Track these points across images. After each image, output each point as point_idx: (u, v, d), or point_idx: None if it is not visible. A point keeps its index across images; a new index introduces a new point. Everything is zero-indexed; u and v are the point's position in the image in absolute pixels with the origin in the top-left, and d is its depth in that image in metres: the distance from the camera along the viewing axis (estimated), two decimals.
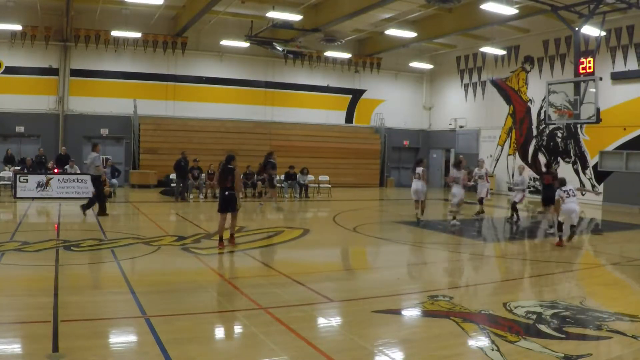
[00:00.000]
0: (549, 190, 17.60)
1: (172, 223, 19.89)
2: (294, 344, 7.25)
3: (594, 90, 23.79)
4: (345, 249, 16.01)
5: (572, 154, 31.36)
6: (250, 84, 36.25)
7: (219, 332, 8.03)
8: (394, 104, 40.25)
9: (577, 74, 24.26)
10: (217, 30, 32.92)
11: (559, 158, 31.92)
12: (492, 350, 7.13)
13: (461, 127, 38.77)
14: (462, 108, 38.93)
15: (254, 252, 13.83)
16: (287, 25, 30.15)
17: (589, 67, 23.86)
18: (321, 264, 13.56)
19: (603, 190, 29.53)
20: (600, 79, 24.52)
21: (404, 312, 9.07)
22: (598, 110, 23.57)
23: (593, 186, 28.48)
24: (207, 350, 7.02)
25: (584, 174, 30.59)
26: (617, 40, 28.74)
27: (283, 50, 33.10)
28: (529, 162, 33.65)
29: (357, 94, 39.68)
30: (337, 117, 39.09)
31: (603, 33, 26.31)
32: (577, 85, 24.03)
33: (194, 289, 9.98)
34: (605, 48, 28.91)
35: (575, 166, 31.08)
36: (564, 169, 31.28)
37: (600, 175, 29.81)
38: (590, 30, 25.45)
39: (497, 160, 35.97)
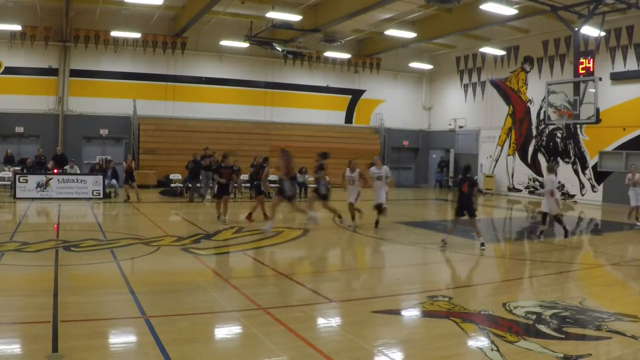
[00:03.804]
0: (465, 199, 15.02)
1: (171, 223, 19.87)
2: (294, 344, 7.25)
3: (593, 90, 23.79)
4: (344, 249, 16.01)
5: (571, 154, 31.38)
6: (250, 84, 36.28)
7: (219, 333, 8.02)
8: (393, 104, 40.27)
9: (576, 74, 24.28)
10: (217, 30, 32.93)
11: (559, 158, 31.92)
12: (492, 350, 7.13)
13: (461, 127, 38.78)
14: (461, 108, 38.95)
15: (253, 253, 13.84)
16: (286, 25, 30.17)
17: (589, 68, 23.87)
18: (321, 264, 13.60)
19: (603, 190, 29.57)
20: (600, 79, 24.52)
21: (404, 313, 9.07)
22: (598, 110, 23.58)
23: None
24: (206, 351, 7.02)
25: (584, 174, 30.62)
26: (616, 40, 28.77)
27: (282, 50, 33.13)
28: (529, 162, 33.67)
29: (356, 94, 39.70)
30: (336, 117, 39.12)
31: (602, 33, 26.32)
32: (576, 86, 24.04)
33: (194, 289, 9.98)
34: (604, 48, 28.93)
35: (574, 166, 31.10)
36: (564, 169, 31.32)
37: (600, 176, 29.84)
38: (590, 31, 25.45)
39: (497, 160, 35.97)
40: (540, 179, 32.87)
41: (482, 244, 14.86)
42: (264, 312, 8.58)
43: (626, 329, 8.13)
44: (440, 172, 39.55)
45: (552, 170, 17.85)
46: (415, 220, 21.25)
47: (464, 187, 14.93)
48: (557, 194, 17.54)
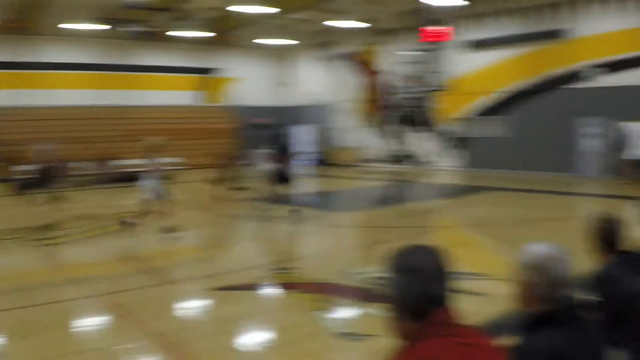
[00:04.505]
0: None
1: None
2: (129, 328, 7.18)
3: (446, 58, 24.20)
4: (193, 229, 15.45)
5: (429, 123, 31.90)
6: (101, 68, 35.01)
7: (45, 325, 7.57)
8: (248, 82, 39.93)
9: (427, 43, 24.63)
10: (64, 12, 31.50)
11: (417, 127, 32.47)
12: (332, 318, 7.11)
13: (316, 101, 38.87)
14: (316, 82, 39.03)
15: (100, 239, 13.28)
16: (137, 5, 29.31)
17: (441, 36, 24.25)
18: (163, 245, 13.13)
19: (461, 156, 30.24)
20: (453, 47, 24.94)
21: (248, 288, 8.88)
22: (449, 78, 24.02)
23: None
24: (30, 345, 6.62)
25: (440, 141, 31.24)
26: (472, 8, 29.31)
27: (133, 31, 32.23)
28: (386, 132, 34.12)
29: (210, 73, 39.16)
30: (190, 97, 38.47)
31: (460, 2, 26.90)
32: (427, 54, 24.42)
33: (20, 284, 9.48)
34: (459, 17, 29.48)
35: (430, 134, 31.68)
36: (422, 137, 31.94)
37: (457, 142, 30.47)
38: (443, 0, 25.85)
39: (352, 132, 36.30)
40: (399, 147, 33.47)
41: None
42: (103, 298, 8.35)
43: (471, 286, 8.30)
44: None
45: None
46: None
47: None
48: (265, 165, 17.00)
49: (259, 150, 19.91)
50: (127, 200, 22.33)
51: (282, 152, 16.08)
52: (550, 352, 2.73)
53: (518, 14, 27.67)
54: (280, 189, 16.38)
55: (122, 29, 32.03)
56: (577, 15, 25.57)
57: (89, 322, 7.72)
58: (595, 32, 24.90)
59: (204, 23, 35.96)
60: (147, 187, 13.83)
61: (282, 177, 16.00)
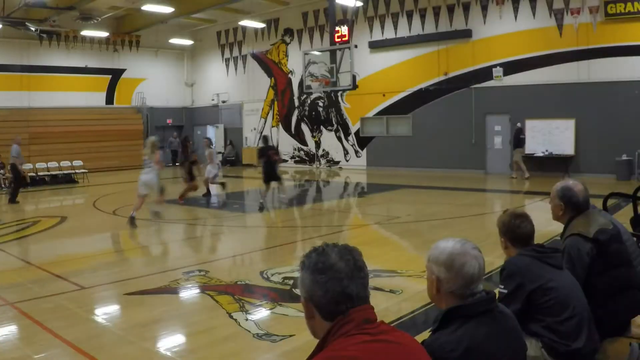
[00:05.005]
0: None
1: None
2: (40, 336, 6.76)
3: (353, 58, 24.29)
4: (103, 233, 15.08)
5: (334, 122, 32.11)
6: (5, 69, 33.83)
7: None
8: (155, 82, 39.19)
9: (333, 42, 24.70)
10: None
11: (322, 127, 32.58)
12: (246, 320, 7.00)
13: (224, 102, 38.59)
14: (224, 83, 38.75)
15: (3, 245, 12.80)
16: (40, 3, 28.40)
17: (344, 36, 24.33)
18: (76, 251, 12.72)
19: (366, 155, 30.51)
20: (356, 46, 25.06)
21: (158, 292, 8.63)
22: (354, 77, 24.10)
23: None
24: None
25: (347, 140, 31.45)
26: (374, 10, 29.61)
27: (36, 30, 31.28)
28: (293, 132, 34.17)
29: (117, 74, 38.25)
30: (97, 98, 37.45)
31: (360, 3, 27.06)
32: (333, 54, 24.43)
33: None
34: (363, 18, 29.76)
35: (338, 134, 31.87)
36: (328, 137, 32.09)
37: (363, 141, 30.75)
38: (347, 1, 25.97)
39: (261, 133, 36.17)
40: (305, 148, 33.55)
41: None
42: (12, 307, 7.91)
43: (384, 284, 8.29)
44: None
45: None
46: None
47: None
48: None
49: (211, 149, 20.70)
50: (39, 204, 21.90)
51: (269, 151, 17.62)
52: (467, 345, 2.72)
53: (419, 15, 28.16)
54: (269, 186, 17.68)
55: (27, 29, 31.06)
56: (475, 17, 26.23)
57: None
58: (495, 34, 25.61)
59: (109, 23, 35.29)
60: (149, 183, 14.54)
61: (272, 175, 17.41)
